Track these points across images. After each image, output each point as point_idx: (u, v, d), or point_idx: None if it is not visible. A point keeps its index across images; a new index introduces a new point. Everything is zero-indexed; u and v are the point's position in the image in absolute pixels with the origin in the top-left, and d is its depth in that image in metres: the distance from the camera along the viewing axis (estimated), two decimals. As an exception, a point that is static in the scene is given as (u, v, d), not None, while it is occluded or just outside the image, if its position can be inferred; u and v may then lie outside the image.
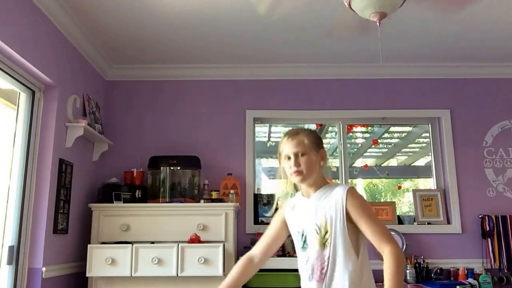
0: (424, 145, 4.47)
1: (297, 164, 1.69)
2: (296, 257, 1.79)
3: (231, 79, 3.93)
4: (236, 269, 1.80)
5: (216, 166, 3.68)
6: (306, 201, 1.75)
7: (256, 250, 1.84)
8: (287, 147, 1.73)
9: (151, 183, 3.51)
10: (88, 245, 3.06)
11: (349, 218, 1.62)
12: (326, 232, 1.64)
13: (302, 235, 1.71)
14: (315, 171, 1.71)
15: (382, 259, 1.60)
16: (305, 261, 1.69)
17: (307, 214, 1.71)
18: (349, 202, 1.62)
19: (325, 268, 1.62)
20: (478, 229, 3.62)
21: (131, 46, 3.50)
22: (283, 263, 3.20)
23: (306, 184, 1.73)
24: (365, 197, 1.92)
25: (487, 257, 3.53)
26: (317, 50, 3.59)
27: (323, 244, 1.64)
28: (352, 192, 1.66)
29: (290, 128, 1.84)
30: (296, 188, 1.82)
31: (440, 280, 3.39)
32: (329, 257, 1.62)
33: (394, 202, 3.94)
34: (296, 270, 1.79)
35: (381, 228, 1.62)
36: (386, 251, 1.58)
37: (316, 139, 1.77)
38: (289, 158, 1.72)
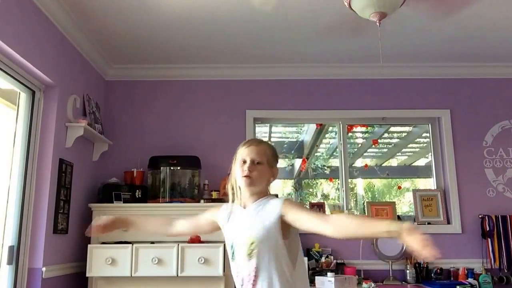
0: (424, 145, 4.47)
1: (251, 169, 1.70)
2: None
3: (231, 79, 3.93)
4: (154, 219, 2.04)
5: (216, 166, 3.67)
6: (241, 212, 1.75)
7: (179, 223, 1.91)
8: (247, 152, 1.75)
9: (151, 183, 3.51)
10: (88, 245, 3.06)
11: (284, 227, 1.61)
12: (252, 243, 1.63)
13: (231, 246, 1.73)
14: (263, 183, 1.74)
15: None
16: (235, 272, 1.73)
17: (240, 226, 1.72)
18: (285, 206, 1.61)
19: (253, 279, 1.63)
20: (478, 229, 3.62)
21: (131, 46, 3.50)
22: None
23: (249, 191, 1.72)
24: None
25: (487, 257, 3.53)
26: (317, 50, 3.59)
27: (249, 255, 1.64)
28: (288, 199, 1.70)
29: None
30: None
31: (440, 280, 3.40)
32: (256, 267, 1.62)
33: (394, 202, 3.94)
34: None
35: (317, 213, 1.70)
36: (334, 216, 1.69)
37: (275, 155, 1.82)
38: (244, 162, 1.73)
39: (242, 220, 1.72)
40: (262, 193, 1.74)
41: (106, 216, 1.94)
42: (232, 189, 1.80)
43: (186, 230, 1.96)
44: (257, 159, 1.73)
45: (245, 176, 1.70)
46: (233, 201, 1.80)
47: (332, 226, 1.49)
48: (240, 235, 1.69)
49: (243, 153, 1.76)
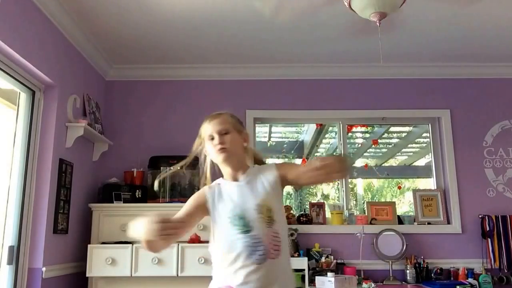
0: (424, 145, 4.47)
1: (221, 141, 1.66)
2: None
3: (231, 79, 3.93)
4: None
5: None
6: (235, 184, 1.69)
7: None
8: (210, 127, 1.71)
9: (151, 183, 3.51)
10: (88, 245, 3.06)
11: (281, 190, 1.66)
12: (269, 209, 1.60)
13: (240, 217, 1.62)
14: (239, 151, 1.70)
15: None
16: (253, 244, 1.58)
17: (242, 196, 1.65)
18: (280, 167, 1.65)
19: (278, 244, 1.59)
20: (478, 229, 3.62)
21: (131, 46, 3.50)
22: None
23: (231, 165, 1.68)
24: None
25: (487, 257, 3.53)
26: (317, 50, 3.59)
27: (270, 222, 1.59)
28: (279, 162, 1.70)
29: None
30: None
31: (440, 280, 3.39)
32: (278, 232, 1.59)
33: (394, 202, 3.94)
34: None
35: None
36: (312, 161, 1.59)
37: (238, 120, 1.79)
38: (212, 138, 1.69)
39: (241, 191, 1.66)
40: (245, 163, 1.72)
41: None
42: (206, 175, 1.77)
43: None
44: (223, 130, 1.69)
45: (220, 150, 1.65)
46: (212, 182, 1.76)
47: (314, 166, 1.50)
48: (249, 206, 1.62)
49: (208, 130, 1.72)
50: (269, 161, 1.81)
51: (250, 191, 1.65)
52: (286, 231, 1.67)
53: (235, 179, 1.70)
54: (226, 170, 1.72)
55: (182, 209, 1.77)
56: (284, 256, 1.61)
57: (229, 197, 1.68)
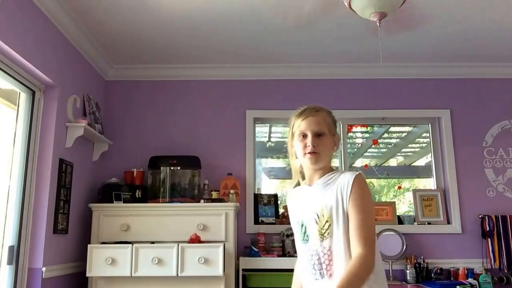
0: (424, 145, 4.47)
1: (315, 143, 1.52)
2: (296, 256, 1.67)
3: (231, 79, 3.93)
4: (297, 278, 1.70)
5: (216, 166, 3.68)
6: (307, 189, 1.59)
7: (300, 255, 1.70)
8: (305, 123, 1.56)
9: (151, 183, 3.51)
10: (88, 245, 3.06)
11: None
12: (326, 222, 1.48)
13: (302, 225, 1.55)
14: (329, 156, 1.57)
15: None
16: (310, 256, 1.52)
17: (307, 203, 1.56)
18: (354, 188, 1.46)
19: (331, 261, 1.45)
20: (478, 229, 3.62)
21: (131, 46, 3.50)
22: (283, 263, 3.20)
23: (314, 168, 1.56)
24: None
25: (487, 257, 3.53)
26: (317, 50, 3.59)
27: (322, 235, 1.48)
28: (359, 178, 1.48)
29: (288, 127, 1.67)
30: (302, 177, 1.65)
31: (440, 280, 3.39)
32: (330, 249, 1.45)
33: (394, 202, 3.94)
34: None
35: (368, 231, 1.42)
36: (359, 252, 1.39)
37: (334, 121, 1.65)
38: (304, 136, 1.56)
39: (310, 197, 1.56)
40: (327, 168, 1.58)
41: None
42: (299, 168, 1.62)
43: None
44: (319, 131, 1.55)
45: (309, 153, 1.52)
46: (298, 182, 1.64)
47: (354, 254, 1.41)
48: (310, 213, 1.53)
49: (302, 125, 1.57)
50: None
51: (316, 197, 1.54)
52: (346, 251, 1.44)
53: (311, 182, 1.60)
54: (307, 172, 1.61)
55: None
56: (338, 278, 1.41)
57: (300, 202, 1.61)
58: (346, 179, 1.49)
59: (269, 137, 4.37)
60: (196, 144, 3.77)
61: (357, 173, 1.51)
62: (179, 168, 3.51)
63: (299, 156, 1.58)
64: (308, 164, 1.56)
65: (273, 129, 4.34)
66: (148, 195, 3.44)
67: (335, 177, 1.54)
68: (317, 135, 1.55)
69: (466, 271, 3.41)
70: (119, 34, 3.29)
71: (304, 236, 1.54)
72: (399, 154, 4.86)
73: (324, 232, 1.48)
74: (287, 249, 3.41)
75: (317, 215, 1.51)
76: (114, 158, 3.73)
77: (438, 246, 3.62)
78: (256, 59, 3.77)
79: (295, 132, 1.60)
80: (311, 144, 1.53)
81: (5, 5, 2.35)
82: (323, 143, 1.54)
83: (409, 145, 4.76)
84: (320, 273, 1.48)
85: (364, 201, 1.46)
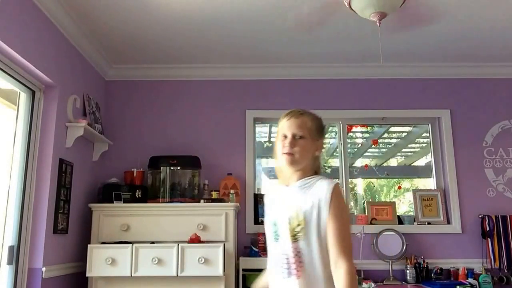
0: (424, 145, 4.47)
1: (292, 145, 1.58)
2: None
3: (231, 79, 3.93)
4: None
5: (216, 166, 3.68)
6: (284, 189, 1.64)
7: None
8: (287, 125, 1.62)
9: (151, 183, 3.51)
10: (88, 245, 3.06)
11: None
12: (298, 224, 1.52)
13: (275, 224, 1.60)
14: (307, 159, 1.61)
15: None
16: (279, 255, 1.57)
17: (283, 203, 1.61)
18: (333, 198, 1.51)
19: (301, 263, 1.51)
20: (478, 229, 3.62)
21: (131, 46, 3.50)
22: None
23: (290, 171, 1.61)
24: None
25: (487, 257, 3.53)
26: (317, 50, 3.59)
27: (293, 236, 1.52)
28: (338, 188, 1.54)
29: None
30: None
31: (440, 280, 3.39)
32: (300, 251, 1.51)
33: (394, 202, 3.94)
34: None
35: (347, 242, 1.49)
36: (343, 268, 1.45)
37: (319, 126, 1.67)
38: (285, 137, 1.61)
39: (285, 198, 1.60)
40: (308, 170, 1.62)
41: None
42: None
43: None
44: (298, 133, 1.59)
45: (285, 153, 1.58)
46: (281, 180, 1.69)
47: (334, 277, 1.46)
48: (283, 214, 1.57)
49: (283, 127, 1.62)
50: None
51: (291, 199, 1.58)
52: (322, 255, 1.50)
53: (288, 183, 1.65)
54: (286, 172, 1.65)
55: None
56: (307, 280, 1.49)
57: (275, 201, 1.66)
58: (323, 188, 1.54)
59: (269, 137, 4.37)
60: (196, 144, 3.77)
61: (335, 182, 1.56)
62: (179, 168, 3.51)
63: (278, 156, 1.64)
64: (283, 164, 1.61)
65: (273, 129, 4.33)
66: (148, 195, 3.44)
67: (312, 182, 1.59)
68: (296, 137, 1.60)
69: (466, 271, 3.41)
70: (119, 34, 3.29)
71: (275, 235, 1.59)
72: (399, 154, 4.86)
73: (296, 234, 1.53)
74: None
75: (291, 216, 1.56)
76: (114, 158, 3.73)
77: (438, 246, 3.62)
78: (256, 59, 3.77)
79: (278, 132, 1.67)
80: (288, 145, 1.58)
81: (5, 5, 2.35)
82: (301, 145, 1.59)
83: (409, 145, 4.76)
84: (288, 272, 1.53)
85: (344, 212, 1.54)
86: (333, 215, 1.50)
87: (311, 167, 1.64)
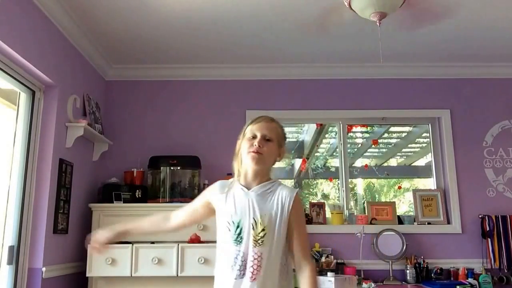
0: (424, 145, 4.47)
1: (261, 144, 1.64)
2: None
3: (231, 79, 3.93)
4: (149, 217, 1.86)
5: (216, 166, 3.67)
6: (244, 192, 1.66)
7: (175, 215, 1.82)
8: (258, 127, 1.68)
9: (151, 183, 3.51)
10: (88, 245, 3.05)
11: (288, 222, 1.62)
12: (262, 230, 1.58)
13: (238, 226, 1.61)
14: (270, 163, 1.69)
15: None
16: (235, 256, 1.59)
17: (246, 207, 1.63)
18: (294, 207, 1.62)
19: (260, 267, 1.56)
20: (478, 229, 3.62)
21: (131, 46, 3.50)
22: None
23: (255, 170, 1.66)
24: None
25: (487, 257, 3.53)
26: (317, 50, 3.59)
27: (256, 241, 1.57)
28: (298, 198, 1.66)
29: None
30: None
31: (440, 280, 3.39)
32: (261, 256, 1.56)
33: (394, 202, 3.94)
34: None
35: (308, 244, 1.69)
36: (309, 267, 1.62)
37: (284, 135, 1.77)
38: (254, 137, 1.67)
39: (247, 202, 1.64)
40: (266, 174, 1.69)
41: (100, 234, 1.83)
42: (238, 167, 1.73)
43: (184, 221, 1.82)
44: (268, 135, 1.67)
45: (254, 152, 1.63)
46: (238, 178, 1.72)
47: (300, 276, 1.61)
48: (247, 218, 1.61)
49: (253, 128, 1.69)
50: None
51: (254, 204, 1.63)
52: (278, 259, 1.60)
53: (248, 186, 1.68)
54: (246, 173, 1.69)
55: (193, 202, 1.85)
56: (262, 283, 1.55)
57: (235, 203, 1.67)
58: (287, 194, 1.64)
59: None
60: (196, 144, 3.77)
61: (297, 189, 1.69)
62: (179, 168, 3.51)
63: (243, 155, 1.68)
64: (249, 163, 1.65)
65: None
66: (148, 195, 3.44)
67: (274, 188, 1.67)
68: (265, 139, 1.66)
69: (466, 271, 3.41)
70: (119, 34, 3.29)
71: (237, 238, 1.62)
72: (399, 154, 4.87)
73: (259, 239, 1.58)
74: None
75: (255, 221, 1.60)
76: (114, 158, 3.73)
77: (438, 246, 3.62)
78: (256, 59, 3.77)
79: (246, 133, 1.71)
80: (258, 144, 1.64)
81: (5, 5, 2.35)
82: (269, 147, 1.66)
83: (409, 145, 4.76)
84: (241, 273, 1.57)
85: (304, 218, 1.72)
86: (297, 222, 1.63)
87: (268, 172, 1.72)
